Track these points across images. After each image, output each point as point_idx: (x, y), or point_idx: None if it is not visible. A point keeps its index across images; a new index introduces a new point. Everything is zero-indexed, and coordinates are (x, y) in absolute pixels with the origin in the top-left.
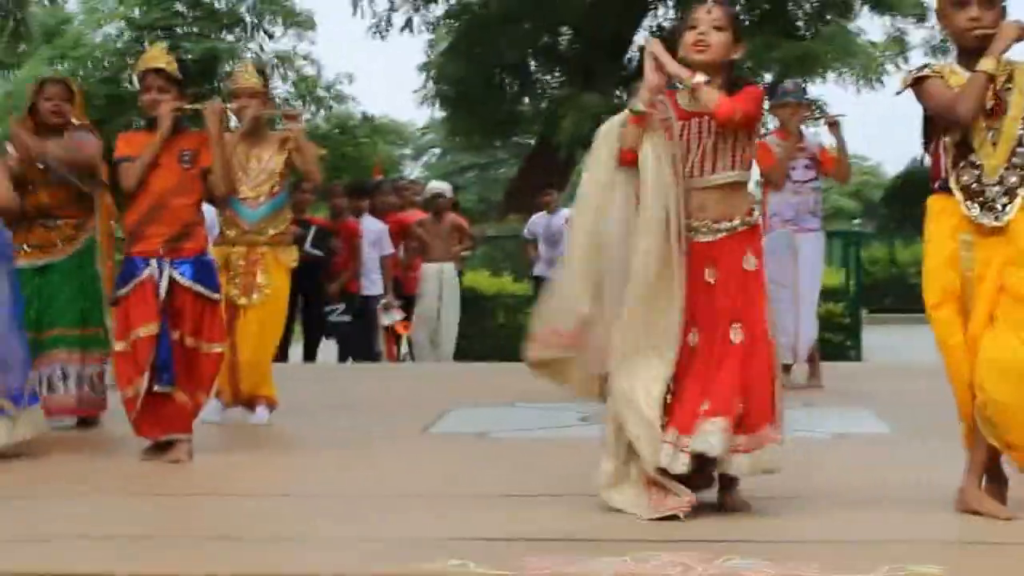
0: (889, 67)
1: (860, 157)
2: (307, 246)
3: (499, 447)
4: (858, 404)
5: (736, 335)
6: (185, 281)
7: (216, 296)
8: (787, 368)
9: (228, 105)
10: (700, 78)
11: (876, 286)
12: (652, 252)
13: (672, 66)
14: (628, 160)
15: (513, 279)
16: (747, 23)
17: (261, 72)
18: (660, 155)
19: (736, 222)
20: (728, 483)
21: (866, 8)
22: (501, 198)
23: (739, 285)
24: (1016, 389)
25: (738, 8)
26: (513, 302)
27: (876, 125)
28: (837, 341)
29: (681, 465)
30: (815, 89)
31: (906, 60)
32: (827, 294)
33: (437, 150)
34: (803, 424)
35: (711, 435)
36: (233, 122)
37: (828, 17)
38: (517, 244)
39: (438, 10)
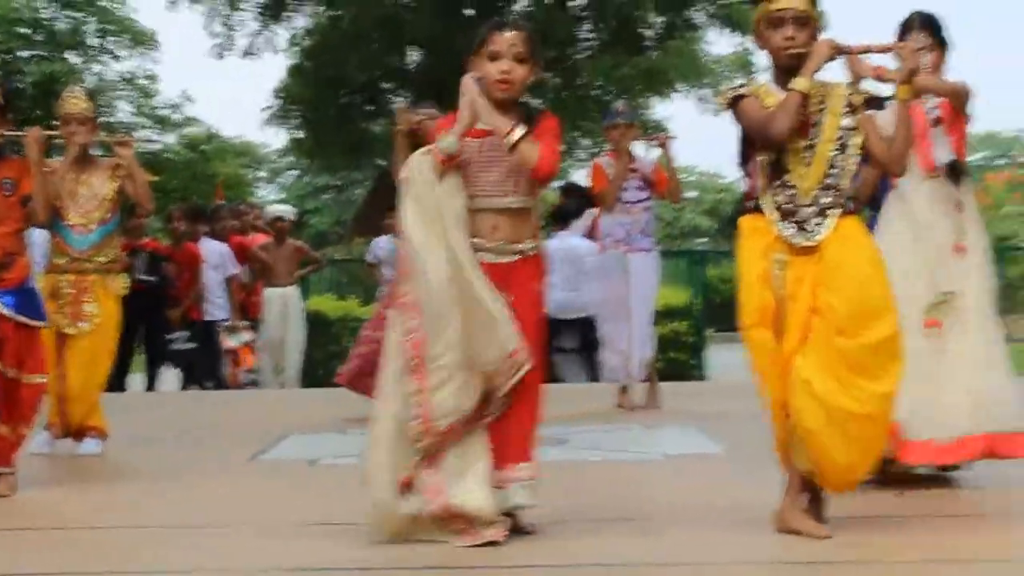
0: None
1: (716, 175)
2: (139, 273)
3: (329, 474)
4: (693, 424)
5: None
6: (6, 311)
7: (40, 324)
8: (624, 389)
9: (53, 132)
10: (518, 133)
11: (726, 305)
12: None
13: (488, 116)
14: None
15: (360, 303)
16: (596, 42)
17: (91, 97)
18: (453, 191)
19: (528, 245)
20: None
21: (714, 26)
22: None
23: (530, 309)
24: (821, 416)
25: (586, 27)
26: (359, 326)
27: (733, 143)
28: (682, 360)
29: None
30: (665, 108)
31: (754, 77)
32: (672, 313)
33: (294, 172)
34: (637, 445)
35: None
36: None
37: (675, 35)
38: (363, 267)
39: (286, 33)
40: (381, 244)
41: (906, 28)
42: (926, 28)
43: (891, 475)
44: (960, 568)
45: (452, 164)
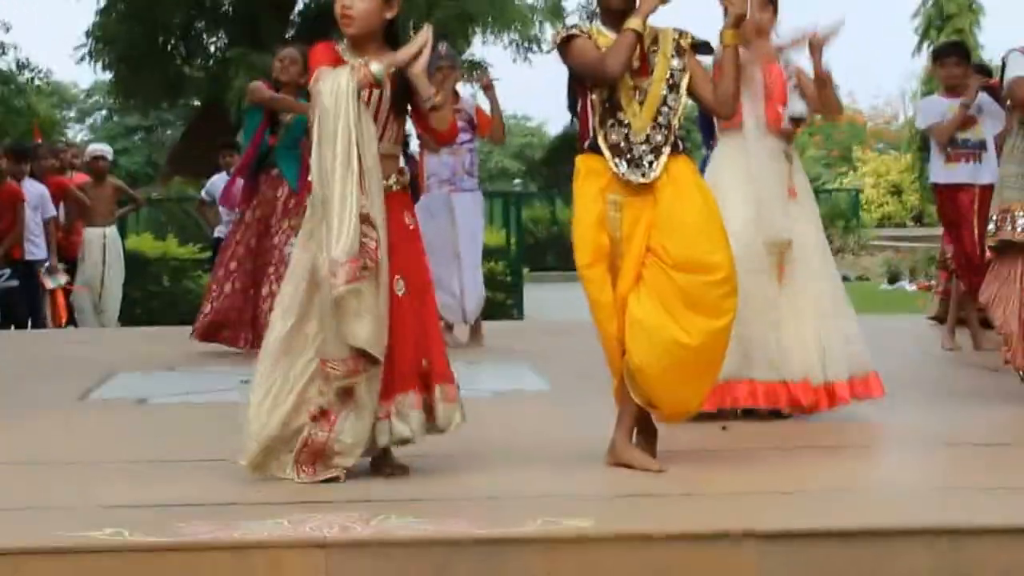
0: (548, 29)
1: (524, 117)
2: None
3: (158, 413)
4: (519, 361)
5: (400, 288)
6: None
7: None
8: (449, 327)
9: None
10: (439, 100)
11: (538, 245)
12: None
13: (422, 79)
14: None
15: (178, 243)
16: None
17: None
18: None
19: (392, 181)
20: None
21: None
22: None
23: (402, 242)
24: (656, 351)
25: None
26: (178, 265)
27: (540, 86)
28: (500, 300)
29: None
30: (479, 50)
31: (564, 23)
32: (489, 253)
33: (103, 112)
34: (465, 383)
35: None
36: None
37: None
38: (182, 207)
39: None
40: (215, 182)
41: None
42: None
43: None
44: (786, 499)
45: (372, 90)
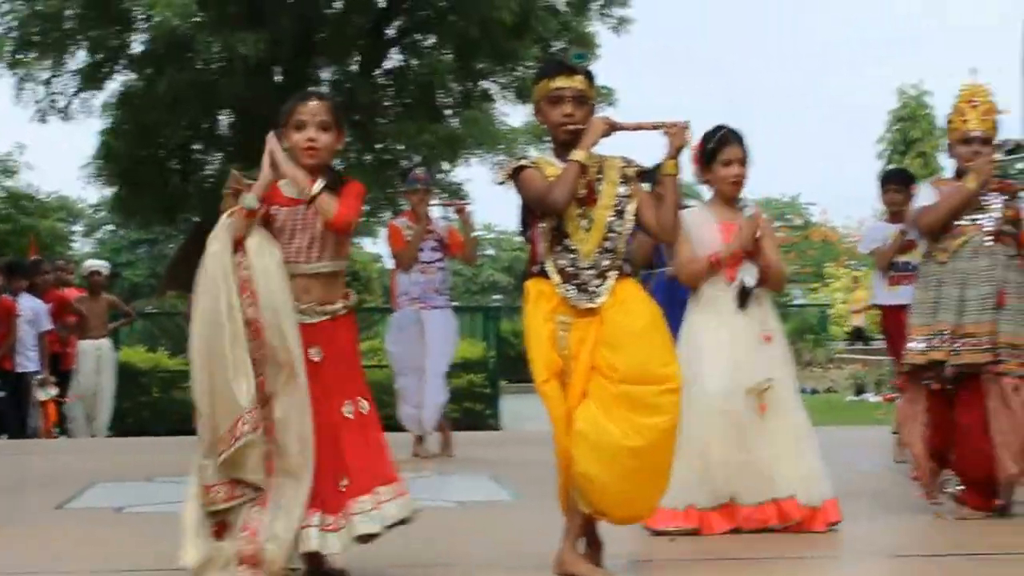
0: (531, 151)
1: (514, 232)
2: None
3: (133, 522)
4: (485, 472)
5: (348, 410)
6: None
7: None
8: (420, 439)
9: None
10: (317, 187)
11: (518, 357)
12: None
13: (290, 170)
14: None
15: (169, 355)
16: (398, 108)
17: None
18: (263, 244)
19: (339, 306)
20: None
21: (507, 97)
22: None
23: (348, 364)
24: (600, 460)
25: (388, 94)
26: (168, 376)
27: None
28: (478, 410)
29: (333, 544)
30: (463, 172)
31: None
32: (468, 366)
33: (109, 226)
34: (430, 493)
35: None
36: None
37: (472, 104)
38: (174, 320)
39: (102, 97)
40: None
41: (722, 141)
42: (743, 144)
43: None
44: None
45: (255, 217)
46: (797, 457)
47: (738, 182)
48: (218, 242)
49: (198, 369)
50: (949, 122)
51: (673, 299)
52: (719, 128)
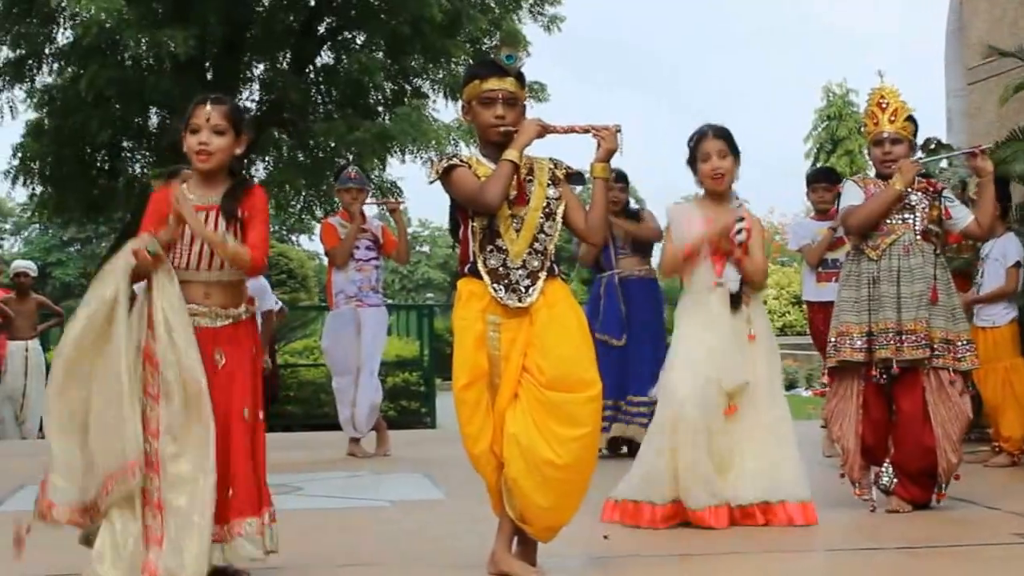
0: (463, 148)
1: (448, 230)
2: None
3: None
4: (420, 471)
5: (246, 414)
6: None
7: None
8: (355, 440)
9: None
10: (230, 244)
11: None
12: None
13: (197, 226)
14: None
15: None
16: (329, 105)
17: None
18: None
19: (242, 310)
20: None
21: (438, 95)
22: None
23: (246, 372)
24: (530, 469)
25: (320, 92)
26: None
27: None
28: (413, 408)
29: (216, 556)
30: (396, 169)
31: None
32: (402, 364)
33: (38, 225)
34: (366, 492)
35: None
36: None
37: (404, 101)
38: None
39: (23, 94)
40: None
41: (698, 138)
42: (723, 138)
43: None
44: None
45: (158, 264)
46: (760, 457)
47: (717, 176)
48: (113, 288)
49: (70, 386)
50: (863, 125)
51: (630, 299)
52: (699, 127)
